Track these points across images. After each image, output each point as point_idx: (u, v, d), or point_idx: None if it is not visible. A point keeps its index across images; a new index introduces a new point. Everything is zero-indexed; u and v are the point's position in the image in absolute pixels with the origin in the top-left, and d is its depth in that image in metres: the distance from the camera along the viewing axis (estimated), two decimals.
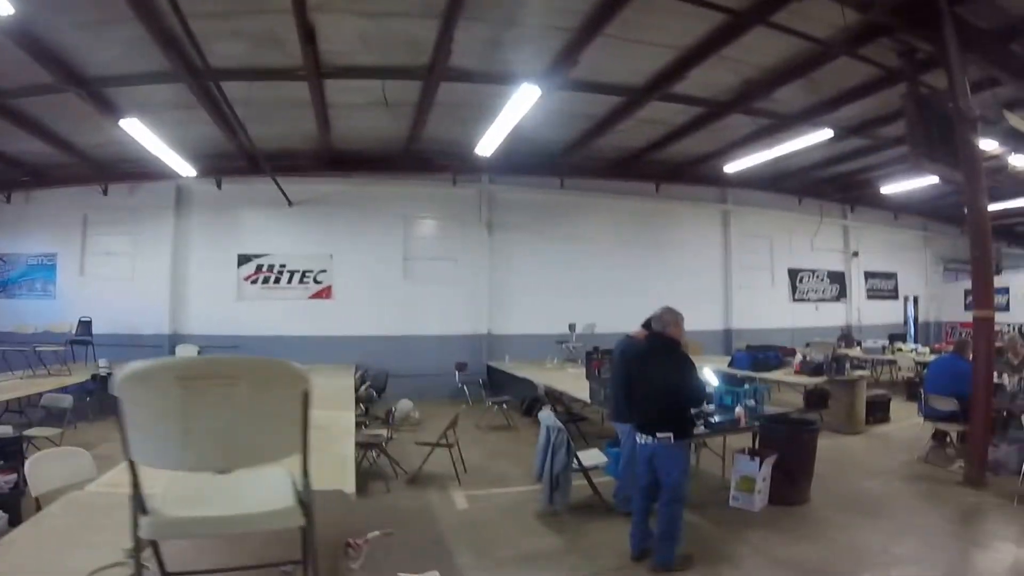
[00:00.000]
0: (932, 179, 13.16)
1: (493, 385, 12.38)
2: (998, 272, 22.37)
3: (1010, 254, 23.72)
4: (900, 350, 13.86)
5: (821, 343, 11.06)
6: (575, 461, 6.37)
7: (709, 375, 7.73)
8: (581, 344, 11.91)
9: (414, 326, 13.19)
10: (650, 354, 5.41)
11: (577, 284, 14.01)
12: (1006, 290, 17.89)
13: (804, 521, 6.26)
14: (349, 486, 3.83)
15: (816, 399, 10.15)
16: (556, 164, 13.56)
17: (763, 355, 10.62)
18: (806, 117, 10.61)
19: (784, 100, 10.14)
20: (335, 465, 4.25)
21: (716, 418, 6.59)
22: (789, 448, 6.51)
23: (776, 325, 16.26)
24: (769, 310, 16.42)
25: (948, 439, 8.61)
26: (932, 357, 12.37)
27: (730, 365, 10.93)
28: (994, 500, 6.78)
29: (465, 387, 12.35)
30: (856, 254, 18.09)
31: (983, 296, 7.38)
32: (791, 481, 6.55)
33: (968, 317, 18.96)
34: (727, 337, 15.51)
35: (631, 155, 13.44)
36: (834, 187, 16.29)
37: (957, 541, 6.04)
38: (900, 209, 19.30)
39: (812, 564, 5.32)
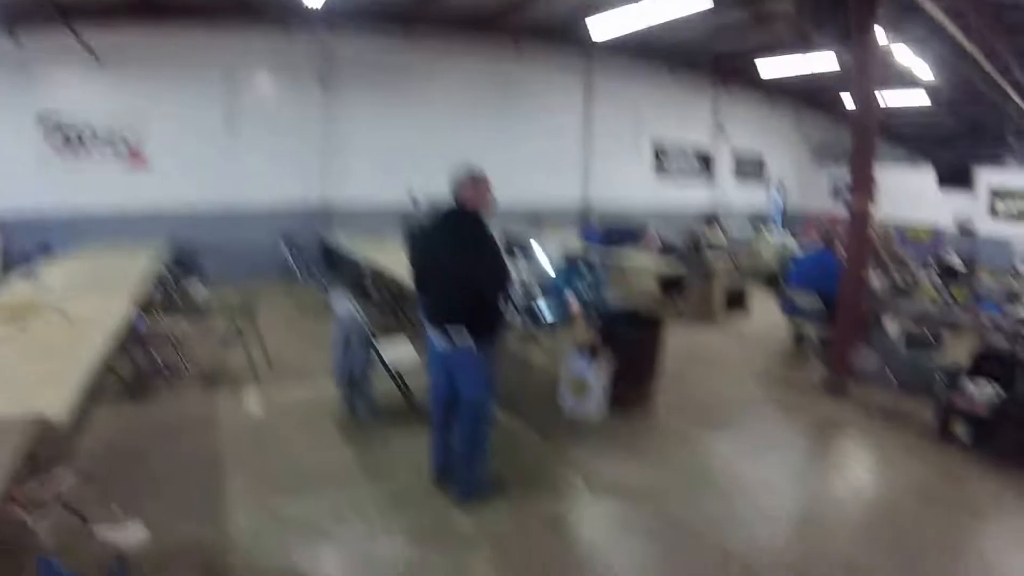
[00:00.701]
0: (810, 63, 12.53)
1: (329, 263, 11.01)
2: None
3: (881, 150, 24.05)
4: (765, 238, 13.45)
5: (677, 225, 10.23)
6: (378, 359, 5.25)
7: (540, 256, 6.67)
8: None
9: (241, 197, 11.38)
10: (441, 231, 4.11)
11: (428, 151, 12.50)
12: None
13: (645, 434, 5.47)
14: (57, 407, 2.90)
15: (672, 287, 9.51)
16: (405, 18, 11.83)
17: (617, 233, 9.77)
18: None
19: None
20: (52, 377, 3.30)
21: (546, 312, 5.56)
22: (632, 346, 5.62)
23: (638, 201, 15.55)
24: (631, 184, 15.67)
25: (807, 340, 8.06)
26: (797, 248, 11.99)
27: (582, 241, 10.06)
28: (853, 413, 6.23)
29: (296, 265, 10.88)
30: (724, 132, 17.45)
31: (862, 187, 6.60)
32: (634, 383, 5.70)
33: (835, 206, 19.45)
34: (584, 211, 14.62)
35: (489, 12, 11.84)
36: (708, 62, 15.28)
37: (810, 462, 5.45)
38: (774, 92, 18.69)
39: (645, 490, 4.49)
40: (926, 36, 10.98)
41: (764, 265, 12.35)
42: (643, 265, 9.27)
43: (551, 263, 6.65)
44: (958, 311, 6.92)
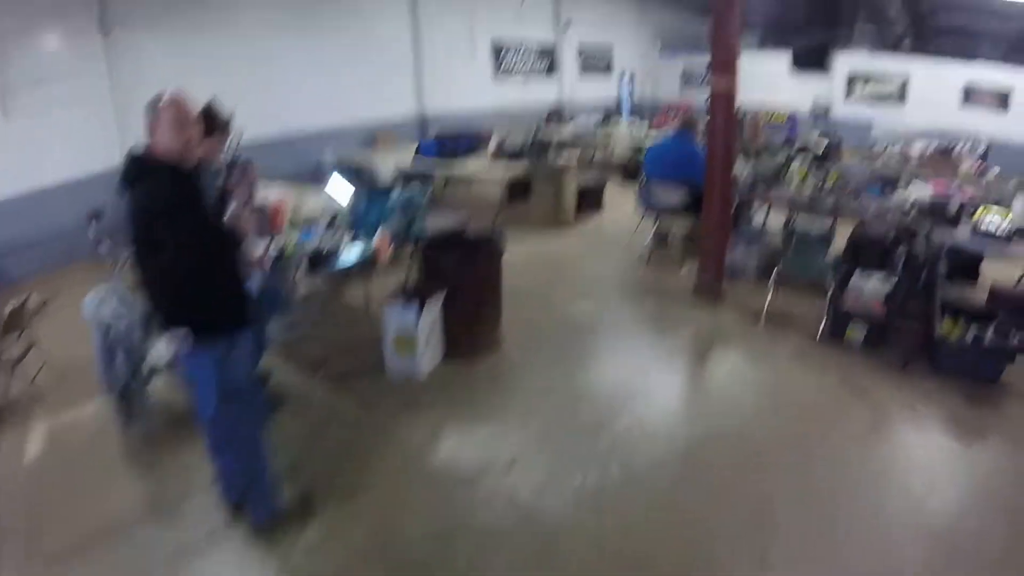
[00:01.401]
0: None
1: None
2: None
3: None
4: (616, 129, 12.49)
5: (520, 125, 9.05)
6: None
7: (339, 186, 5.41)
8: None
9: (25, 178, 9.06)
10: (130, 191, 2.56)
11: (242, 89, 10.56)
12: None
13: (487, 391, 4.32)
14: None
15: (518, 191, 8.48)
16: None
17: (452, 142, 8.54)
18: None
19: None
20: None
21: (349, 254, 4.29)
22: (465, 280, 4.42)
23: (478, 106, 14.09)
24: (470, 90, 14.11)
25: (672, 238, 7.23)
26: (652, 136, 11.17)
27: (417, 155, 8.77)
28: (733, 321, 5.44)
29: (105, 243, 8.81)
30: (568, 24, 16.21)
31: (726, 64, 5.63)
32: (472, 324, 4.55)
33: (684, 96, 18.88)
34: (422, 124, 13.03)
35: None
36: None
37: (693, 395, 4.58)
38: None
39: (485, 468, 3.51)
40: None
41: (618, 157, 11.55)
42: (484, 173, 8.13)
43: (370, 187, 5.37)
44: (839, 197, 6.28)
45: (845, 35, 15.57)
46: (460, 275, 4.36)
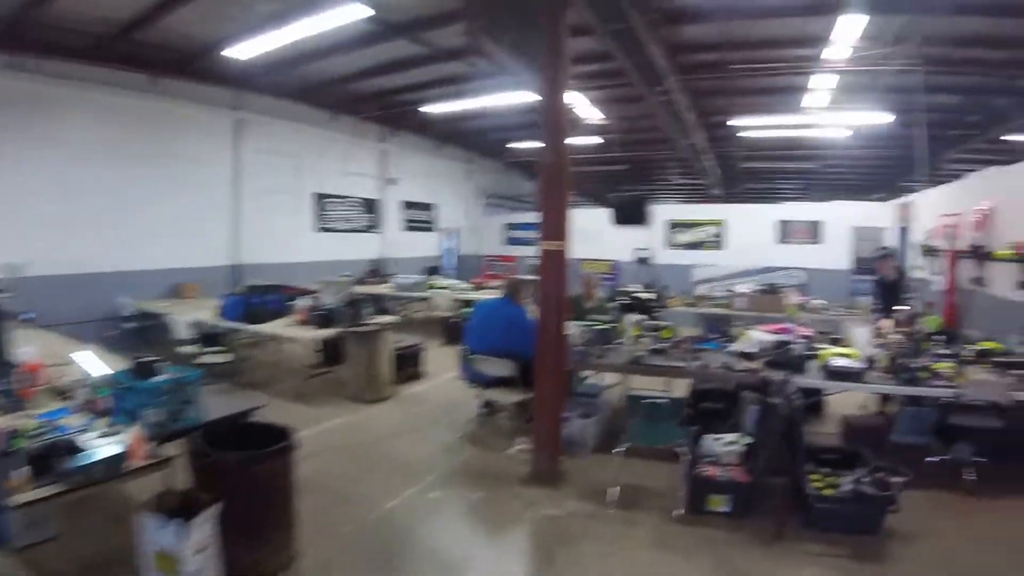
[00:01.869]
0: (480, 102, 11.93)
1: None
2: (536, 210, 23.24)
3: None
4: (437, 285, 12.35)
5: (336, 282, 8.45)
6: None
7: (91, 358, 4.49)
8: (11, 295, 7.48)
9: None
10: None
11: (29, 211, 9.30)
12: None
13: None
14: None
15: (331, 355, 7.78)
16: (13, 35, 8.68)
17: (260, 299, 7.75)
18: None
19: None
20: None
21: (98, 448, 3.32)
22: (247, 483, 3.59)
23: (298, 259, 13.55)
24: (290, 241, 13.57)
25: (499, 409, 6.81)
26: (475, 295, 11.02)
27: (222, 316, 7.87)
28: (581, 507, 4.85)
29: None
30: (393, 180, 16.32)
31: (556, 223, 5.38)
32: (255, 539, 3.67)
33: (508, 251, 19.39)
34: (235, 274, 12.18)
35: (118, 30, 9.13)
36: (373, 105, 14.02)
37: None
38: (444, 139, 18.19)
39: None
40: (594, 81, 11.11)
41: (441, 316, 11.26)
42: (293, 334, 7.37)
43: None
44: (679, 354, 6.24)
45: (660, 187, 17.03)
46: (241, 477, 3.54)
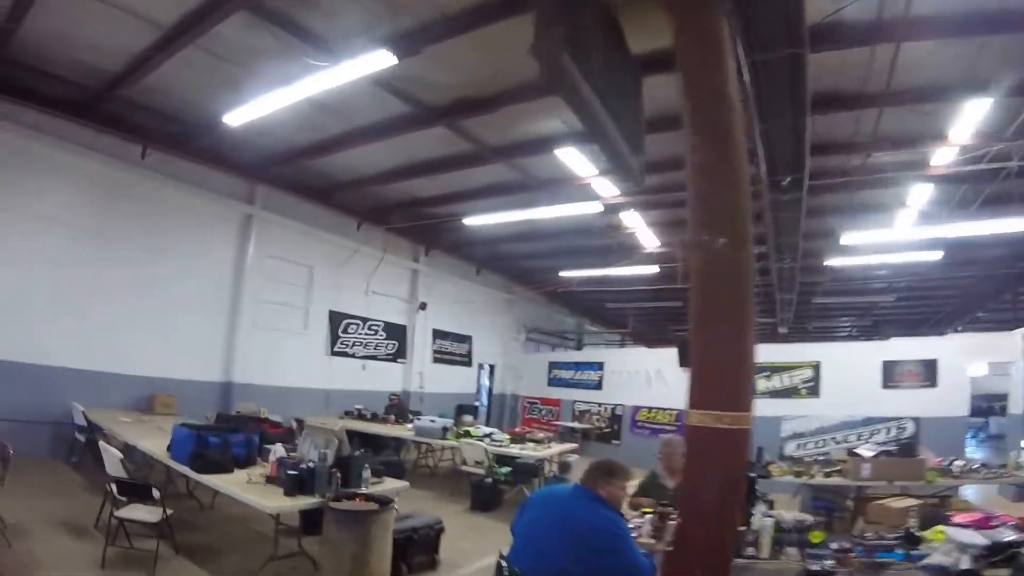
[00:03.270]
0: (528, 215, 10.31)
1: None
2: (579, 348, 21.30)
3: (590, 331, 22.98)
4: (469, 434, 9.46)
5: (320, 427, 5.85)
6: None
7: None
8: None
9: None
10: None
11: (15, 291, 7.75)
12: (600, 366, 15.81)
13: None
14: None
15: (311, 523, 5.27)
16: None
17: (220, 439, 5.34)
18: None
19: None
20: None
21: None
22: None
23: (302, 383, 11.52)
24: (295, 362, 11.56)
25: None
26: (513, 448, 8.66)
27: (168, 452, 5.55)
28: None
29: None
30: (424, 306, 14.36)
31: (734, 374, 3.43)
32: None
33: (551, 393, 16.37)
34: (225, 393, 10.18)
35: (103, 86, 7.79)
36: (404, 215, 12.38)
37: None
38: (484, 262, 16.46)
39: None
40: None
41: (468, 471, 8.77)
42: (250, 500, 4.89)
43: None
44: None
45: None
46: None
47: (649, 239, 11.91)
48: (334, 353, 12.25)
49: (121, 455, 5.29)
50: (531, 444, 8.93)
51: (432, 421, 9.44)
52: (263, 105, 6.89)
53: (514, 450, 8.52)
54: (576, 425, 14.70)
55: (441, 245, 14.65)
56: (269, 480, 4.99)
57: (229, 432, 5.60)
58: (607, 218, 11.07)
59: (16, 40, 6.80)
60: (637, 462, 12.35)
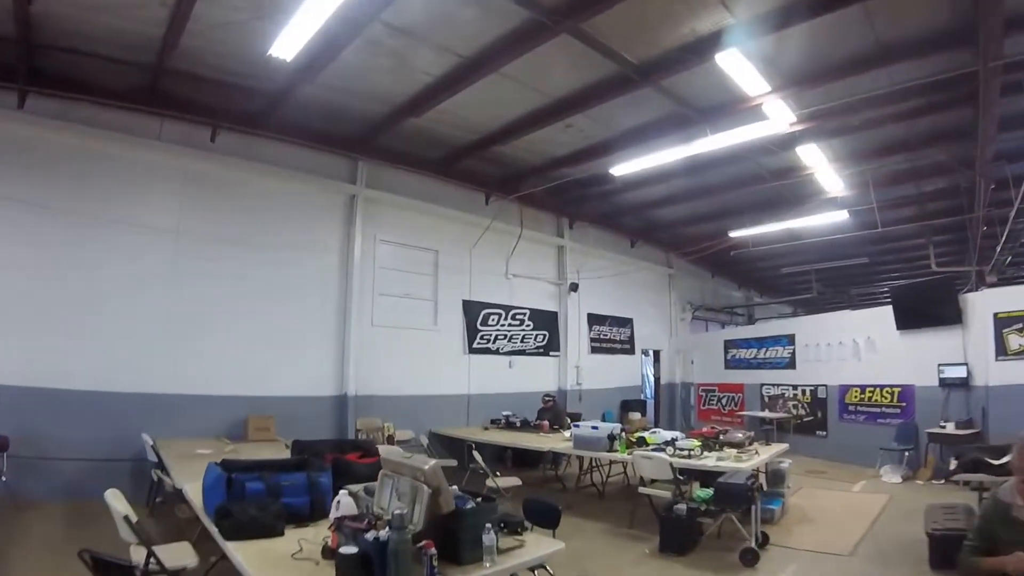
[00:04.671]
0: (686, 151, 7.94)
1: None
2: (751, 322, 18.20)
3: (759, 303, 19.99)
4: (643, 441, 6.89)
5: (405, 462, 3.66)
6: None
7: None
8: None
9: None
10: None
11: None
12: (790, 340, 12.58)
13: None
14: None
15: None
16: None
17: (261, 482, 3.36)
18: None
19: None
20: None
21: None
22: None
23: (438, 389, 9.71)
24: (426, 365, 9.66)
25: None
26: (708, 457, 6.15)
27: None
28: None
29: None
30: (575, 287, 12.22)
31: None
32: None
33: (730, 377, 13.22)
34: (340, 408, 8.44)
35: (152, 59, 6.50)
36: (543, 181, 10.28)
37: None
38: (639, 234, 14.12)
39: None
40: None
41: (651, 494, 6.47)
42: None
43: None
44: None
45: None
46: None
47: (832, 180, 9.49)
48: (473, 350, 10.35)
49: (126, 512, 3.55)
50: (731, 450, 6.51)
51: (594, 428, 7.15)
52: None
53: (710, 460, 6.13)
54: (767, 414, 11.85)
55: (587, 216, 12.46)
56: (327, 553, 3.01)
57: (280, 471, 3.70)
58: (780, 156, 8.72)
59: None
60: (850, 456, 9.23)
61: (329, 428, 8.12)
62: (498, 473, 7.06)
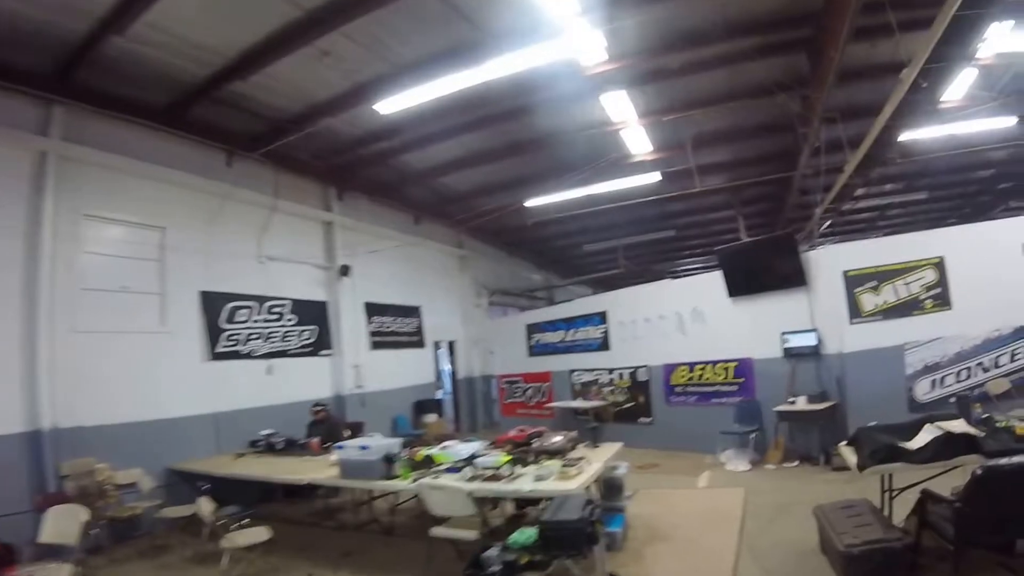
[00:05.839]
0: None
1: None
2: (551, 302, 16.98)
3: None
4: (431, 461, 5.17)
5: None
6: None
7: None
8: None
9: None
10: None
11: None
12: (602, 317, 11.13)
13: None
14: None
15: None
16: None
17: None
18: None
19: None
20: None
21: None
22: None
23: (175, 411, 7.31)
24: (156, 379, 7.24)
25: None
26: (522, 476, 4.45)
27: None
28: None
29: None
30: (346, 270, 10.21)
31: None
32: None
33: (535, 365, 10.79)
34: (35, 449, 5.93)
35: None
36: (303, 133, 8.10)
37: None
38: (424, 209, 12.41)
39: None
40: None
41: (453, 527, 4.76)
42: None
43: None
44: None
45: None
46: None
47: (641, 139, 8.73)
48: (218, 355, 8.02)
49: None
50: (551, 462, 4.99)
51: (363, 448, 5.26)
52: None
53: (525, 482, 4.58)
54: (580, 404, 10.60)
55: (361, 185, 10.55)
56: None
57: None
58: (586, 107, 7.77)
59: None
60: (684, 442, 7.91)
61: (20, 478, 5.58)
62: (245, 521, 5.10)
